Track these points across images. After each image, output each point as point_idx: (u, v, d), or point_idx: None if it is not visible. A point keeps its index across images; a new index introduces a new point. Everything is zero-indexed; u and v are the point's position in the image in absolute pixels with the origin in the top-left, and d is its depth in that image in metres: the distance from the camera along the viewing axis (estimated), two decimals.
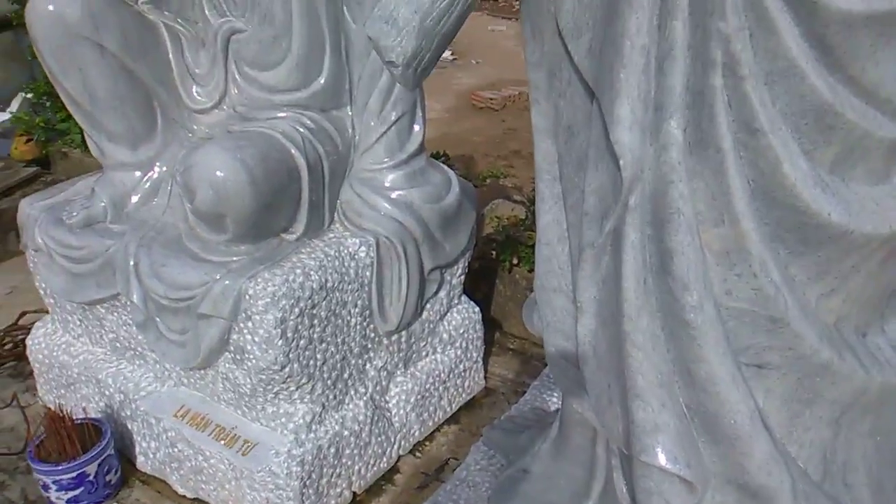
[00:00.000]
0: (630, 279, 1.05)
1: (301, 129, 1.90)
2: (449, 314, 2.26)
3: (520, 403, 1.94)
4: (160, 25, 1.99)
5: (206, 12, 1.99)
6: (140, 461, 2.13)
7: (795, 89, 0.93)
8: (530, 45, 1.22)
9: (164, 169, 2.04)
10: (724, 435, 1.05)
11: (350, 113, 2.02)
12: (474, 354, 2.36)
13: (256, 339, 1.77)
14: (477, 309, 2.35)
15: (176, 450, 1.99)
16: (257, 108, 1.99)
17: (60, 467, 1.94)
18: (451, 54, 5.95)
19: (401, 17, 1.10)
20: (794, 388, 1.06)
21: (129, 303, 1.95)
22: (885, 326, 1.12)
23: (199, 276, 1.80)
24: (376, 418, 2.05)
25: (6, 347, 2.65)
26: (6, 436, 2.32)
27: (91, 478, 1.98)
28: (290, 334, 1.77)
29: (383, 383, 2.11)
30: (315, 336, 1.84)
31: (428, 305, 2.15)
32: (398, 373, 2.16)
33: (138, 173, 2.05)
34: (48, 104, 3.72)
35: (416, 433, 2.22)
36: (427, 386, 2.21)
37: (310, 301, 1.80)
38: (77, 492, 1.98)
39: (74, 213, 2.01)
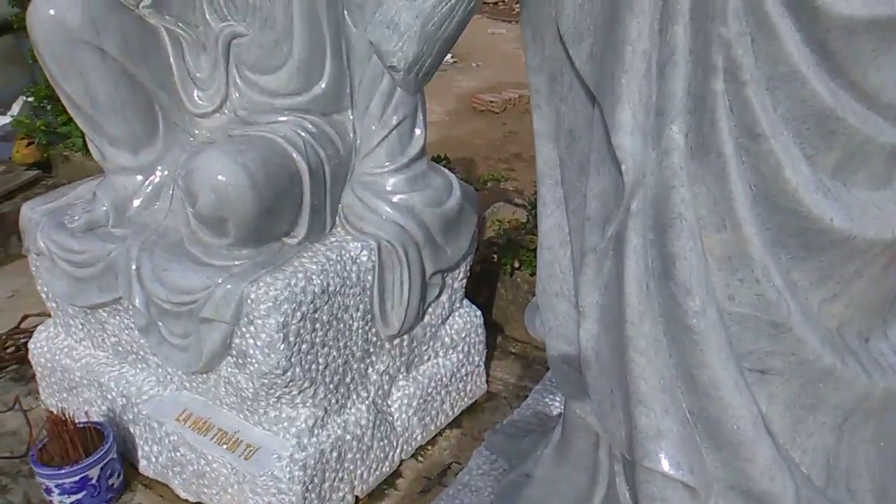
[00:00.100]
0: (632, 284, 1.05)
1: (302, 133, 1.90)
2: (451, 318, 2.26)
3: (522, 408, 1.94)
4: (161, 29, 1.99)
5: (207, 16, 1.99)
6: (142, 465, 2.13)
7: (797, 94, 0.93)
8: (531, 49, 1.22)
9: (166, 173, 2.04)
10: (727, 440, 1.05)
11: (351, 117, 2.02)
12: (476, 358, 2.36)
13: (258, 343, 1.77)
14: (479, 313, 2.35)
15: (178, 454, 1.99)
16: (258, 112, 1.99)
17: (63, 471, 1.94)
18: (452, 57, 5.95)
19: (402, 22, 1.10)
20: (797, 393, 1.06)
21: (131, 307, 1.95)
22: (887, 331, 1.12)
23: (201, 281, 1.80)
24: (378, 422, 2.05)
25: (8, 351, 2.65)
26: (8, 439, 2.32)
27: (93, 482, 1.98)
28: (292, 338, 1.77)
29: (385, 387, 2.10)
30: (317, 340, 1.84)
31: (430, 309, 2.15)
32: (400, 377, 2.15)
33: (140, 177, 2.05)
34: (49, 108, 3.73)
35: (419, 437, 2.21)
36: (429, 390, 2.21)
37: (312, 305, 1.80)
38: (79, 496, 1.97)
39: (76, 217, 2.02)
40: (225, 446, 1.91)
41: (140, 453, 2.11)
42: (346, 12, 1.91)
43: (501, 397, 2.45)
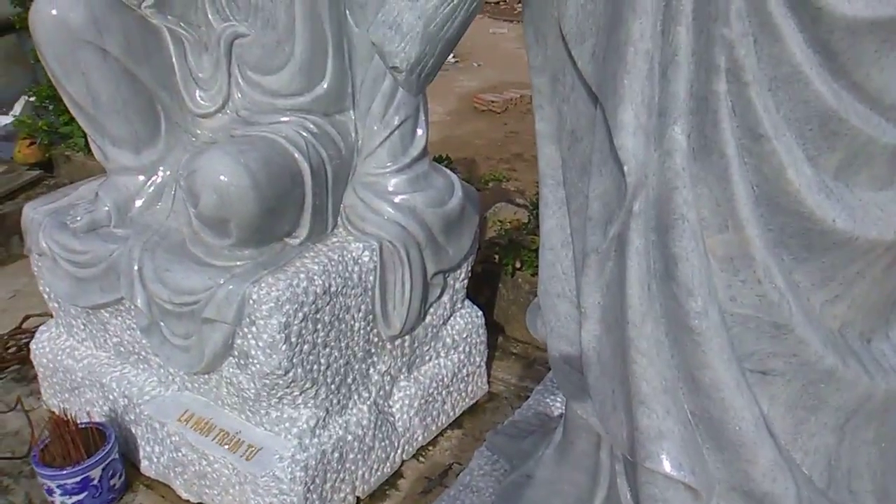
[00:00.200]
0: (634, 285, 1.04)
1: (304, 134, 1.90)
2: (452, 318, 2.26)
3: (523, 408, 1.94)
4: (163, 29, 1.99)
5: (209, 16, 1.99)
6: (144, 465, 2.13)
7: (799, 95, 0.93)
8: (533, 49, 1.22)
9: (168, 173, 2.04)
10: (729, 441, 1.05)
11: (353, 117, 2.02)
12: (477, 359, 2.36)
13: (260, 343, 1.77)
14: (480, 313, 2.35)
15: (180, 454, 1.99)
16: (260, 112, 1.99)
17: (65, 471, 1.94)
18: (453, 57, 5.95)
19: (404, 23, 1.10)
20: (799, 394, 1.06)
21: (133, 307, 1.95)
22: (889, 332, 1.12)
23: (203, 281, 1.80)
24: (380, 423, 2.05)
25: (10, 351, 2.65)
26: (10, 440, 2.33)
27: (95, 482, 1.98)
28: (293, 339, 1.77)
29: (387, 388, 2.10)
30: (319, 341, 1.84)
31: (431, 310, 2.15)
32: (401, 377, 2.15)
33: (142, 177, 2.05)
34: (51, 108, 3.73)
35: (420, 438, 2.21)
36: (430, 390, 2.21)
37: (313, 306, 1.80)
38: (81, 496, 1.98)
39: (78, 218, 2.02)
40: (226, 447, 1.91)
41: (142, 454, 2.12)
42: (348, 12, 1.91)
43: (503, 398, 2.45)
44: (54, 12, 1.84)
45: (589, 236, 1.11)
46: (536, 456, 1.55)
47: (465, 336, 2.28)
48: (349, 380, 1.97)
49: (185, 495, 2.06)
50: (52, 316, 2.31)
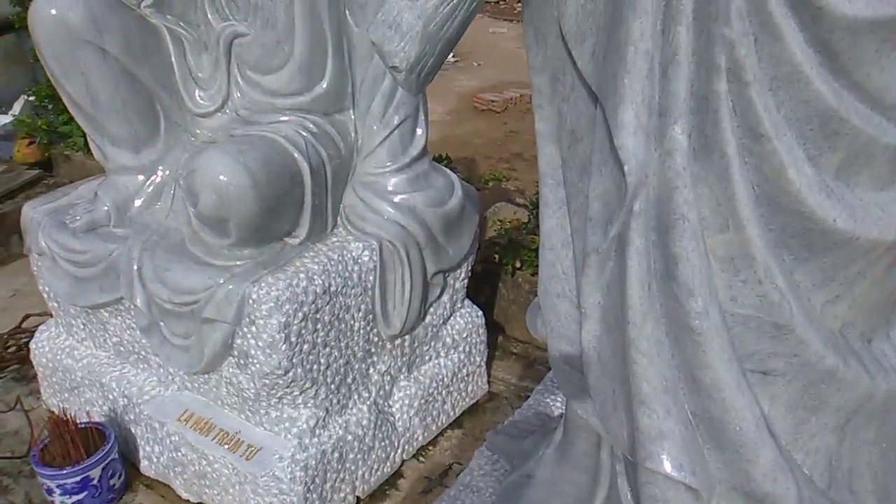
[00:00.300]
0: (635, 285, 1.04)
1: (304, 133, 1.90)
2: (452, 318, 2.26)
3: (523, 408, 1.94)
4: (162, 29, 1.99)
5: (209, 16, 1.99)
6: (144, 465, 2.13)
7: (800, 95, 0.93)
8: (533, 49, 1.22)
9: (167, 173, 2.04)
10: (730, 442, 1.05)
11: (353, 117, 2.02)
12: (477, 358, 2.35)
13: (260, 343, 1.77)
14: (480, 313, 2.34)
15: (179, 454, 1.99)
16: (260, 111, 1.99)
17: (64, 471, 1.94)
18: (453, 57, 5.95)
19: (404, 22, 1.10)
20: (800, 394, 1.06)
21: (132, 307, 1.95)
22: (890, 333, 1.12)
23: (203, 281, 1.80)
24: (380, 423, 2.05)
25: (10, 351, 2.65)
26: (10, 439, 2.32)
27: (95, 482, 1.98)
28: (293, 339, 1.77)
29: (387, 388, 2.10)
30: (319, 340, 1.84)
31: (431, 309, 2.15)
32: (401, 377, 2.15)
33: (141, 177, 2.05)
34: (50, 107, 3.73)
35: (420, 438, 2.21)
36: (430, 390, 2.20)
37: (313, 305, 1.80)
38: (81, 496, 1.97)
39: (78, 217, 2.02)
40: (226, 447, 1.91)
41: (141, 453, 2.11)
42: (347, 12, 1.91)
43: (503, 397, 2.45)
44: (53, 12, 1.84)
45: (589, 236, 1.11)
46: (537, 456, 1.55)
47: (465, 336, 2.28)
48: (349, 379, 1.97)
49: (184, 495, 2.06)
50: (51, 315, 2.31)
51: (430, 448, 2.25)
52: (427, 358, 2.22)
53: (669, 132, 0.98)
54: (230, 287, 1.77)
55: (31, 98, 3.82)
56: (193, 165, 1.74)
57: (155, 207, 2.04)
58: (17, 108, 4.07)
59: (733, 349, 1.03)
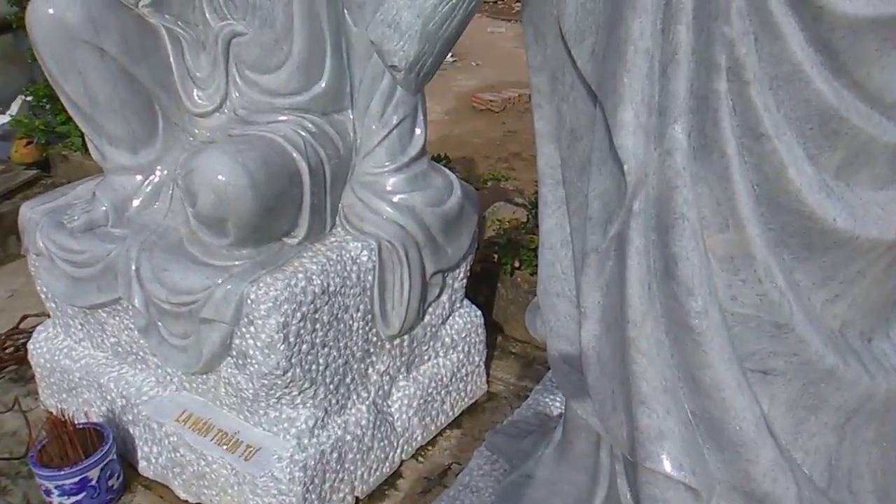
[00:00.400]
0: (634, 284, 1.04)
1: (302, 133, 1.90)
2: (451, 318, 2.25)
3: (522, 408, 1.94)
4: (161, 28, 1.99)
5: (207, 15, 1.99)
6: (142, 466, 2.12)
7: (800, 94, 0.93)
8: (532, 48, 1.22)
9: (166, 173, 2.03)
10: (730, 441, 1.05)
11: (351, 116, 2.02)
12: (476, 358, 2.35)
13: (259, 343, 1.76)
14: (479, 313, 2.34)
15: (178, 455, 1.98)
16: (258, 111, 1.99)
17: (62, 472, 1.93)
18: (452, 56, 5.94)
19: (403, 22, 1.09)
20: (800, 394, 1.06)
21: (130, 307, 1.95)
22: (890, 332, 1.12)
23: (201, 281, 1.80)
24: (379, 423, 2.05)
25: (7, 351, 2.64)
26: (8, 440, 2.32)
27: (93, 483, 1.98)
28: (292, 339, 1.77)
29: (385, 388, 2.10)
30: (317, 340, 1.84)
31: (430, 309, 2.14)
32: (400, 377, 2.15)
33: (139, 177, 2.04)
34: (48, 107, 3.72)
35: (419, 438, 2.21)
36: (429, 390, 2.20)
37: (312, 305, 1.79)
38: (79, 497, 1.97)
39: (76, 217, 2.01)
40: (225, 447, 1.91)
41: (140, 454, 2.11)
42: (346, 11, 1.91)
43: (502, 397, 2.45)
44: (51, 11, 1.83)
45: (589, 235, 1.10)
46: (536, 456, 1.55)
47: (464, 336, 2.28)
48: (348, 380, 1.97)
49: (183, 496, 2.05)
50: (49, 316, 2.30)
51: (430, 448, 2.25)
52: (426, 358, 2.21)
53: (669, 131, 0.98)
54: (228, 287, 1.77)
55: (29, 98, 3.81)
56: (192, 165, 1.74)
57: (153, 207, 2.04)
58: (14, 108, 4.06)
59: (733, 348, 1.03)
